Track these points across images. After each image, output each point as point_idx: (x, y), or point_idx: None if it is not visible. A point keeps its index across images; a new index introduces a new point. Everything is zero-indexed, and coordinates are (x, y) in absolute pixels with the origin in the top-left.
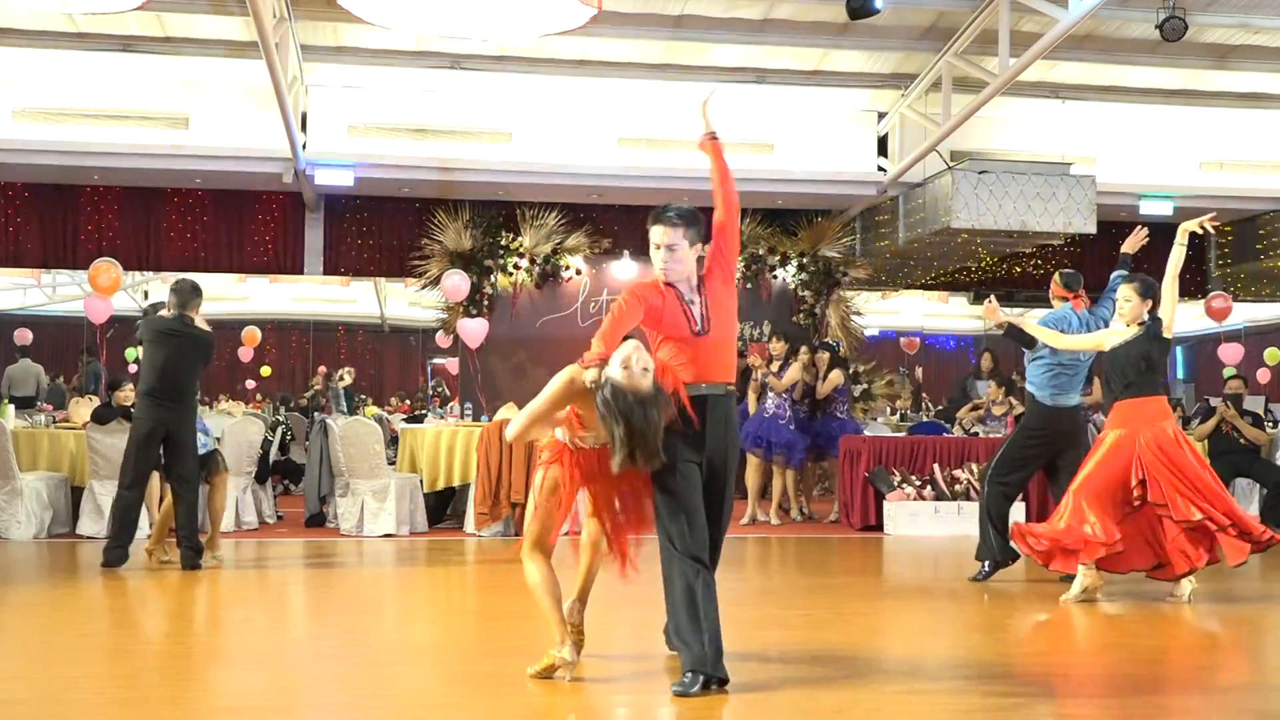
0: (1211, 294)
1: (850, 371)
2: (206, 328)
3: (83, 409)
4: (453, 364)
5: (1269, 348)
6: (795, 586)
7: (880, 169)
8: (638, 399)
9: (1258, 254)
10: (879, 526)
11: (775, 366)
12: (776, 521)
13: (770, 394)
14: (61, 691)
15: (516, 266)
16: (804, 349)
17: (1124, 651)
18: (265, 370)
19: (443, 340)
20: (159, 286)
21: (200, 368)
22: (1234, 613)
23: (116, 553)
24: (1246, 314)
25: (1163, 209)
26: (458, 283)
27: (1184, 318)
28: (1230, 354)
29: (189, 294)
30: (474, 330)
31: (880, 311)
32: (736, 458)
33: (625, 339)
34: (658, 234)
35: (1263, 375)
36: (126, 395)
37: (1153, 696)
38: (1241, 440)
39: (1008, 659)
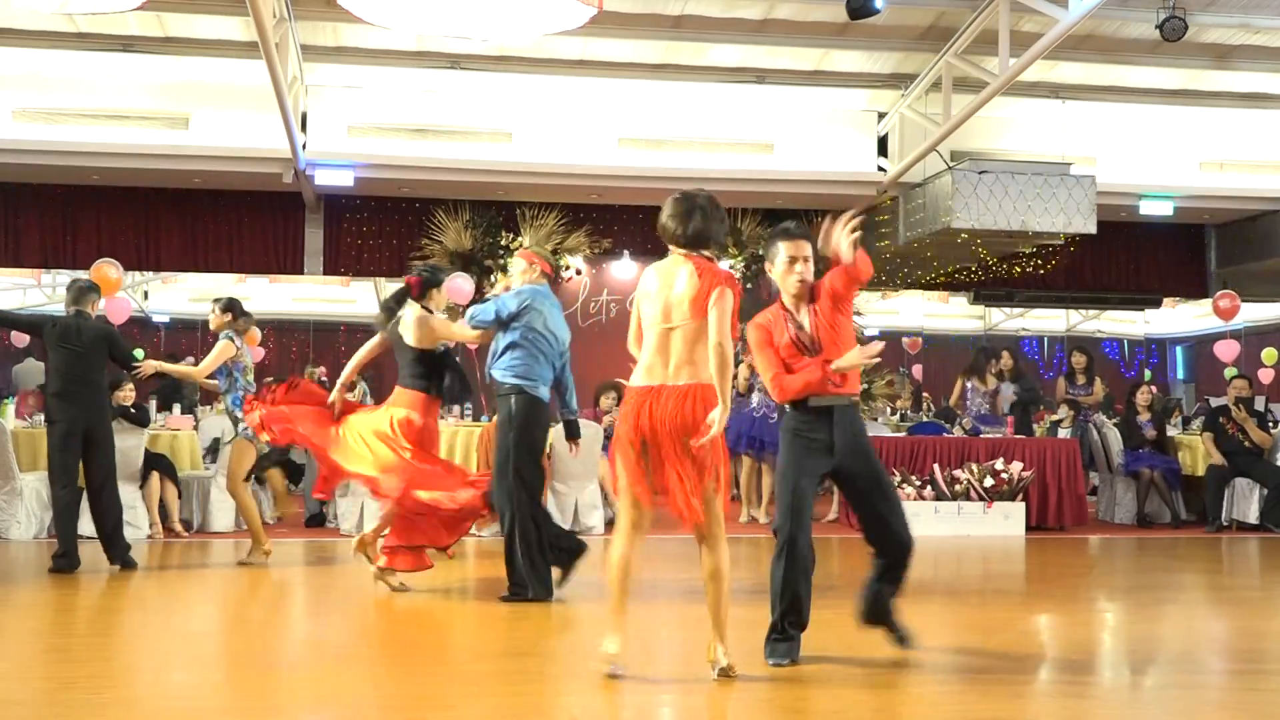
0: (1219, 293)
1: None
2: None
3: None
4: None
5: (1267, 348)
6: None
7: (880, 169)
8: None
9: (1257, 254)
10: None
11: None
12: (766, 519)
13: (757, 393)
14: (60, 691)
15: None
16: None
17: (1121, 650)
18: None
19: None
20: (159, 286)
21: (105, 360)
22: (1239, 613)
23: (64, 560)
24: (1246, 314)
25: (1163, 209)
26: (460, 285)
27: (1183, 318)
28: (1226, 351)
29: (83, 291)
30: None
31: (880, 311)
32: (872, 453)
33: None
34: (799, 247)
35: (1265, 375)
36: (126, 395)
37: (1156, 692)
38: (1246, 442)
39: (1007, 659)
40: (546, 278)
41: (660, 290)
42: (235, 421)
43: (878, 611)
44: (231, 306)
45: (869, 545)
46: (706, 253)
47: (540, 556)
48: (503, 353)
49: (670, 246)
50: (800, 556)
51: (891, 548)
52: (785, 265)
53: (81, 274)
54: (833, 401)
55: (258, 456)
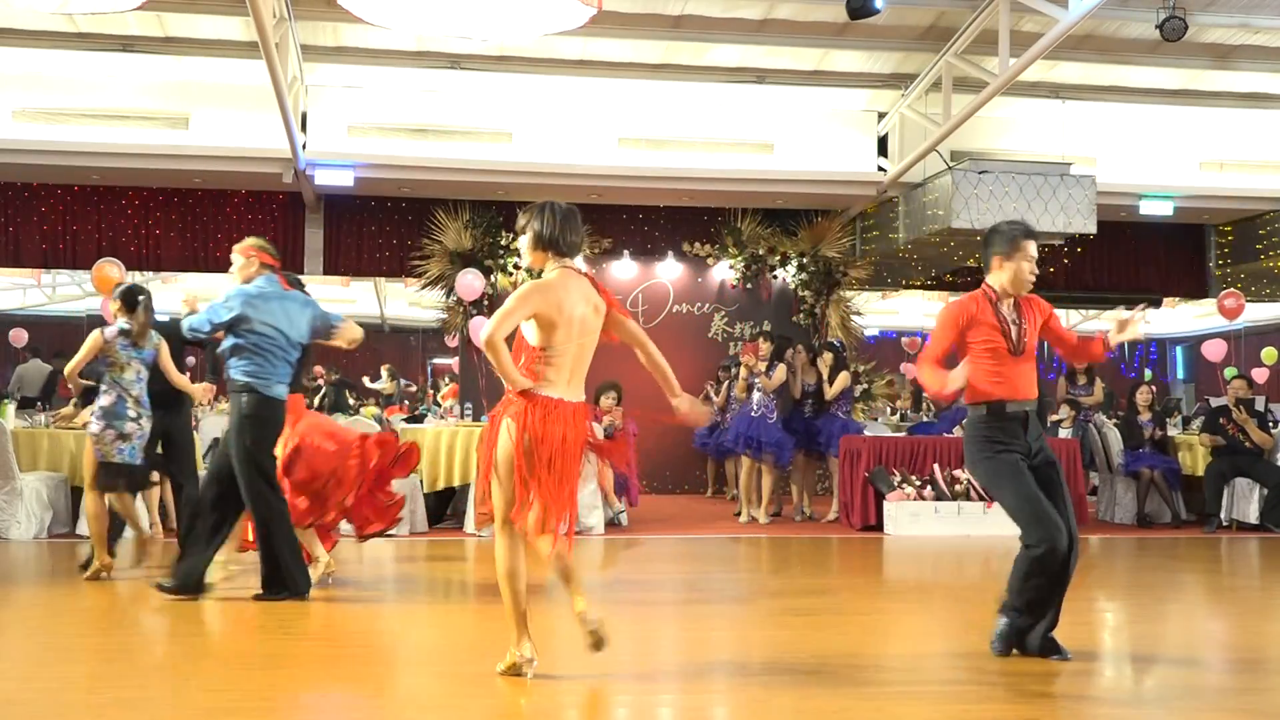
0: (1225, 292)
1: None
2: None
3: (83, 409)
4: (453, 364)
5: (1267, 348)
6: (795, 586)
7: (880, 169)
8: None
9: (1257, 254)
10: (879, 526)
11: (763, 367)
12: (766, 520)
13: (757, 394)
14: (59, 692)
15: (516, 266)
16: (801, 348)
17: (1122, 650)
18: None
19: (451, 340)
20: (159, 287)
21: (181, 360)
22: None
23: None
24: (1246, 314)
25: (1163, 209)
26: (471, 282)
27: (1183, 318)
28: (1214, 351)
29: (150, 298)
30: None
31: (880, 311)
32: (1050, 450)
33: None
34: (1033, 248)
35: (1260, 375)
36: None
37: (1156, 692)
38: (1247, 443)
39: (1008, 659)
40: (270, 269)
41: (573, 306)
42: (106, 424)
43: (1046, 640)
44: (124, 296)
45: None
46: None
47: (297, 549)
48: (231, 355)
49: (557, 258)
50: (1061, 559)
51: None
52: (1030, 262)
53: (82, 274)
54: (1029, 407)
55: (105, 468)
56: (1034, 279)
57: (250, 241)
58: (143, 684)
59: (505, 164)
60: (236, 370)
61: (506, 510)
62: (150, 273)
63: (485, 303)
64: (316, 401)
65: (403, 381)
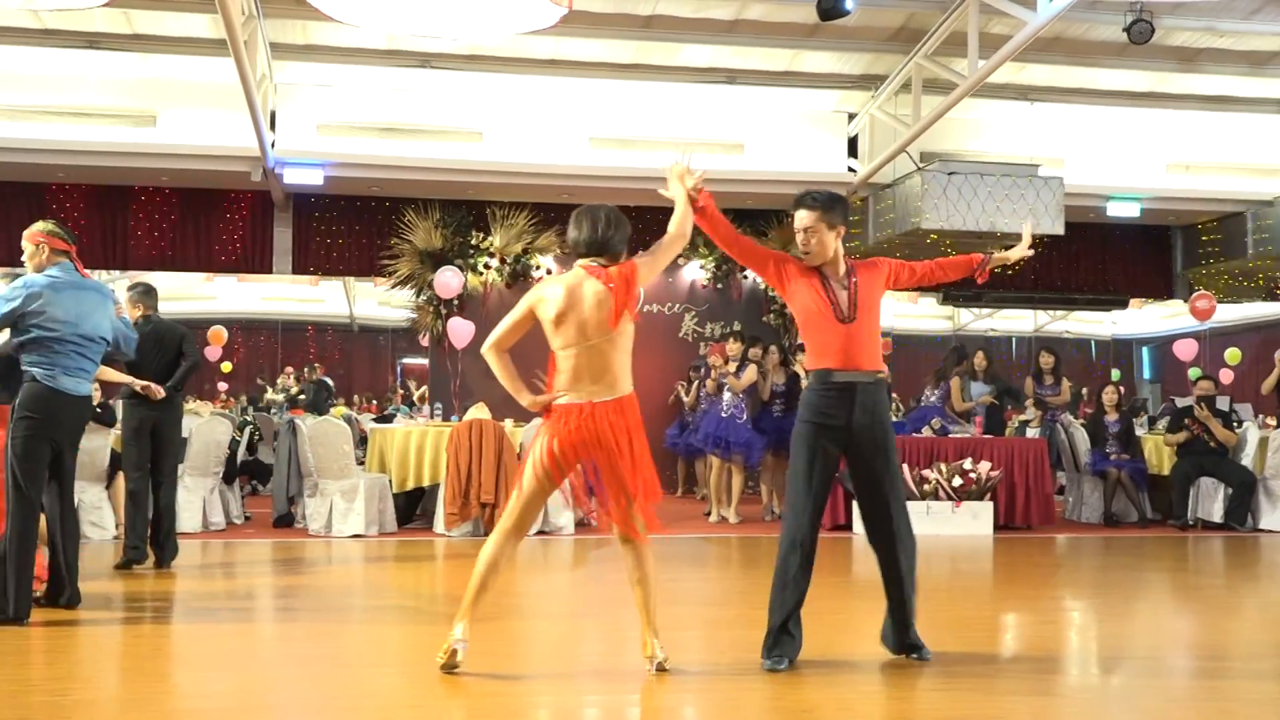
0: (1197, 294)
1: None
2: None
3: None
4: (423, 364)
5: (1230, 348)
6: (764, 586)
7: (850, 170)
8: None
9: (1222, 255)
10: (848, 526)
11: (732, 367)
12: (736, 520)
13: (727, 394)
14: (22, 694)
15: (487, 266)
16: (773, 349)
17: (1088, 648)
18: (226, 366)
19: (422, 340)
20: (125, 286)
21: (176, 359)
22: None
23: (135, 552)
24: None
25: (1130, 210)
26: (448, 280)
27: (1149, 318)
28: (1185, 351)
29: (148, 293)
30: (462, 330)
31: None
32: (892, 440)
33: None
34: (799, 218)
35: (1225, 375)
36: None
37: (1122, 690)
38: (1211, 442)
39: (976, 658)
40: (64, 255)
41: (573, 307)
42: None
43: (900, 637)
44: None
45: (870, 541)
46: (601, 260)
47: (26, 570)
48: (19, 350)
49: (580, 258)
50: (806, 558)
51: (882, 536)
52: (799, 233)
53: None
54: (862, 379)
55: None
56: (808, 251)
57: (39, 227)
58: (108, 686)
59: (476, 163)
60: (26, 363)
61: (517, 511)
62: (117, 271)
63: (456, 302)
64: (282, 399)
65: (328, 381)
